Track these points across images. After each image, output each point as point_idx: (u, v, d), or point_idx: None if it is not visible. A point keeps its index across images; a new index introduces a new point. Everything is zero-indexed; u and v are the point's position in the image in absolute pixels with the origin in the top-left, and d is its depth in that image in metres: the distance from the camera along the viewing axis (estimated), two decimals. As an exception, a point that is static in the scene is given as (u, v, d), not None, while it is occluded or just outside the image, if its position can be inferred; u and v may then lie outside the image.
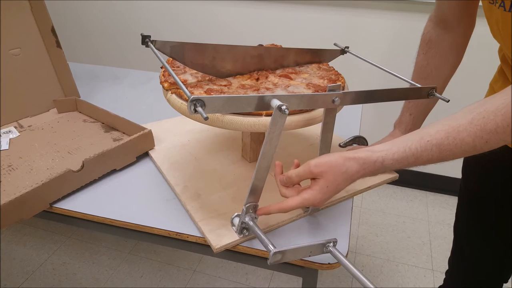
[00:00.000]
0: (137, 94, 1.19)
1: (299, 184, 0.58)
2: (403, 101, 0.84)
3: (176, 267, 1.53)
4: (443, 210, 1.82)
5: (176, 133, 0.93)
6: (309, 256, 0.51)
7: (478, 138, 0.46)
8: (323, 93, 0.55)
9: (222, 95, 0.63)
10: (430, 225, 1.74)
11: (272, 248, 0.49)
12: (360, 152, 0.53)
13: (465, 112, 0.48)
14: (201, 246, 0.65)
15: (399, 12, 1.57)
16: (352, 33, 1.67)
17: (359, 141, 0.87)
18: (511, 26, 0.55)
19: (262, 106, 0.51)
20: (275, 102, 0.49)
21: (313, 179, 0.55)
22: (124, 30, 2.03)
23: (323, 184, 0.53)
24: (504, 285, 0.85)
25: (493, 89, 0.73)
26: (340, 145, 0.87)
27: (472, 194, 0.80)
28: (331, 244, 0.52)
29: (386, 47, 1.66)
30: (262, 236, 0.53)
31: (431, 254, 1.58)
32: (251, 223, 0.57)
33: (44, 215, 0.73)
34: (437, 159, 0.49)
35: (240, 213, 0.59)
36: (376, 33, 1.64)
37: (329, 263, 0.59)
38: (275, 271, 1.49)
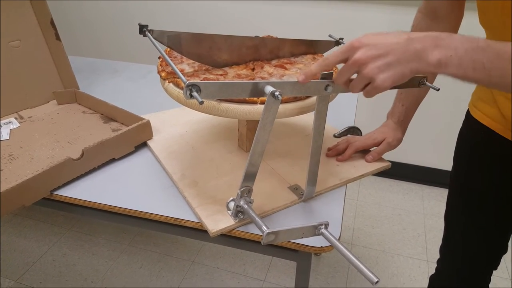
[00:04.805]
0: (136, 87, 1.20)
1: None
2: (395, 93, 0.86)
3: (175, 258, 1.55)
4: (438, 203, 1.84)
5: (174, 123, 0.94)
6: (302, 237, 0.53)
7: None
8: (316, 80, 0.56)
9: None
10: (425, 218, 1.76)
11: (266, 229, 0.50)
12: None
13: None
14: (199, 232, 0.67)
15: (393, 4, 1.59)
16: (347, 25, 1.69)
17: (354, 131, 0.89)
18: None
19: (256, 93, 0.53)
20: (269, 89, 0.51)
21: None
22: (124, 23, 2.04)
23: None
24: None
25: None
26: (334, 136, 0.88)
27: (462, 181, 0.82)
28: (323, 226, 0.53)
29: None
30: (256, 218, 0.55)
31: (426, 245, 1.61)
32: (245, 206, 0.58)
33: (45, 203, 0.74)
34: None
35: (236, 197, 0.60)
36: (370, 26, 1.66)
37: (321, 246, 0.61)
38: (272, 261, 1.52)
